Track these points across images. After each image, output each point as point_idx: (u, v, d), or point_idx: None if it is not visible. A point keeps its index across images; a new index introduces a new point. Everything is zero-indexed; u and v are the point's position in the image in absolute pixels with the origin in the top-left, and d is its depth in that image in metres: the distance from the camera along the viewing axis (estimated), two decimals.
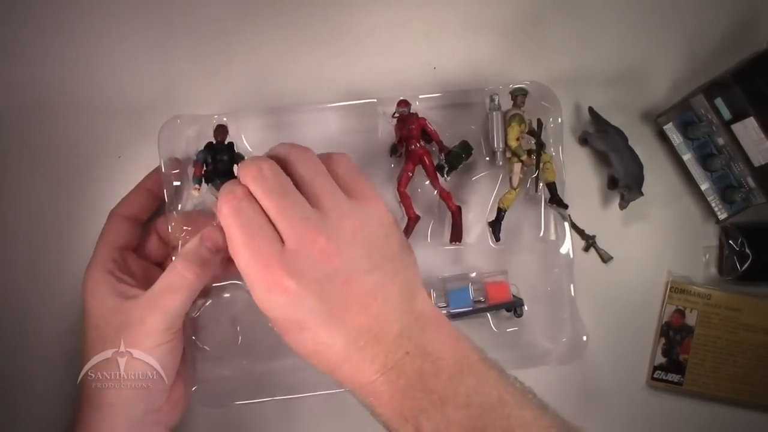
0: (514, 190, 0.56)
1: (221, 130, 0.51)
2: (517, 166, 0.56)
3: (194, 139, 0.55)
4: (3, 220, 0.59)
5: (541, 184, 0.56)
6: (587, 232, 0.59)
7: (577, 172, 0.59)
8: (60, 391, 0.56)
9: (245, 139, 0.56)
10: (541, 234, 0.57)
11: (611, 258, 0.59)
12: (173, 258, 0.48)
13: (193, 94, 0.60)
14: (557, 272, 0.56)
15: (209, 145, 0.51)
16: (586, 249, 0.60)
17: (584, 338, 0.56)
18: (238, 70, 0.60)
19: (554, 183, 0.56)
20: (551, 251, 0.57)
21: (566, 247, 0.57)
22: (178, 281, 0.44)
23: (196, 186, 0.50)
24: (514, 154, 0.55)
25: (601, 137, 0.57)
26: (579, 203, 0.59)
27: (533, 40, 0.61)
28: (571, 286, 0.56)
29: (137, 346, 0.43)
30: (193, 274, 0.44)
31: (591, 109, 0.58)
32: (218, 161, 0.50)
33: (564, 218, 0.58)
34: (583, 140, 0.60)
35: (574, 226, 0.59)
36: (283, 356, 0.54)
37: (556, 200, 0.56)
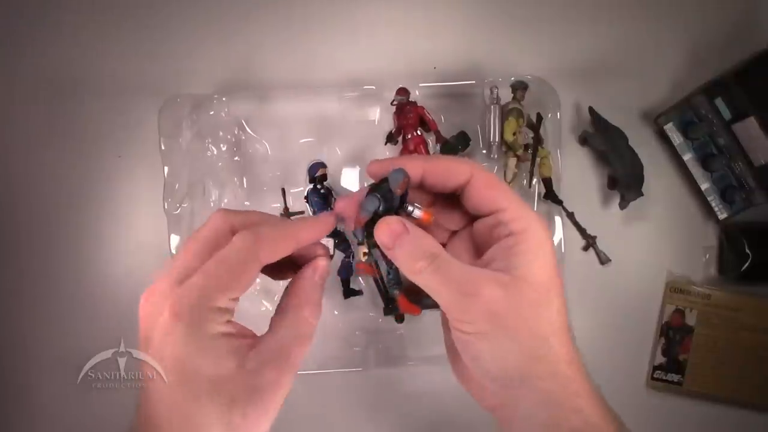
0: (508, 184, 0.56)
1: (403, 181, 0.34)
2: (512, 161, 0.56)
3: (194, 121, 0.56)
4: (3, 221, 0.59)
5: (534, 179, 0.57)
6: (588, 232, 0.59)
7: (577, 172, 0.59)
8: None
9: (245, 122, 0.58)
10: None
11: (609, 260, 0.59)
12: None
13: (194, 78, 0.60)
14: None
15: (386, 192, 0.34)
16: (586, 248, 0.60)
17: (569, 331, 0.56)
18: (236, 52, 0.60)
19: (550, 178, 0.56)
20: None
21: (557, 239, 0.57)
22: (306, 330, 0.35)
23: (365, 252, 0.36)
24: (510, 148, 0.55)
25: (601, 137, 0.57)
26: (579, 203, 0.59)
27: (533, 38, 0.61)
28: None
29: (268, 413, 0.34)
30: (317, 319, 0.36)
31: (591, 109, 0.58)
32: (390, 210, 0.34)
33: (568, 215, 0.58)
34: (583, 140, 0.60)
35: (576, 224, 0.59)
36: None
37: (551, 196, 0.56)
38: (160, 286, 0.33)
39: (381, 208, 0.34)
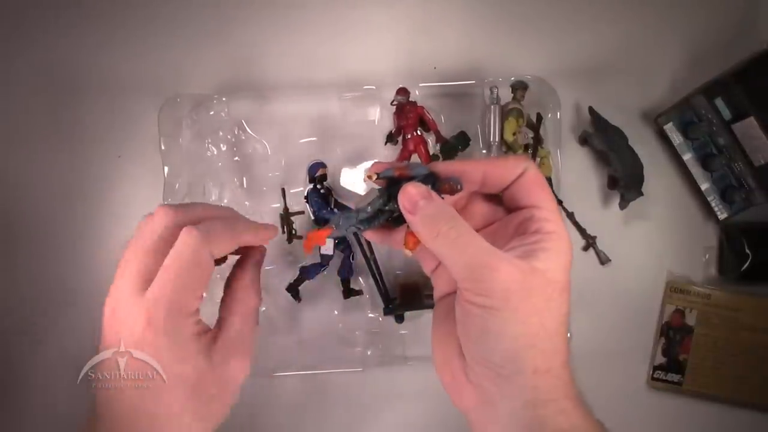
0: None
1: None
2: None
3: (194, 121, 0.56)
4: (4, 221, 0.59)
5: None
6: (588, 232, 0.59)
7: (577, 172, 0.59)
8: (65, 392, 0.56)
9: (245, 122, 0.58)
10: None
11: (609, 260, 0.59)
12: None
13: (194, 78, 0.60)
14: None
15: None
16: (586, 248, 0.60)
17: (568, 335, 0.56)
18: (236, 52, 0.60)
19: (550, 178, 0.56)
20: None
21: None
22: (253, 310, 0.39)
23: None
24: (510, 148, 0.55)
25: (601, 137, 0.57)
26: (579, 203, 0.59)
27: (533, 38, 0.61)
28: None
29: (235, 396, 0.38)
30: (260, 299, 0.40)
31: (591, 109, 0.58)
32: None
33: (568, 215, 0.58)
34: (583, 140, 0.60)
35: (576, 224, 0.59)
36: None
37: None
38: (122, 294, 0.34)
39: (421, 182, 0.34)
